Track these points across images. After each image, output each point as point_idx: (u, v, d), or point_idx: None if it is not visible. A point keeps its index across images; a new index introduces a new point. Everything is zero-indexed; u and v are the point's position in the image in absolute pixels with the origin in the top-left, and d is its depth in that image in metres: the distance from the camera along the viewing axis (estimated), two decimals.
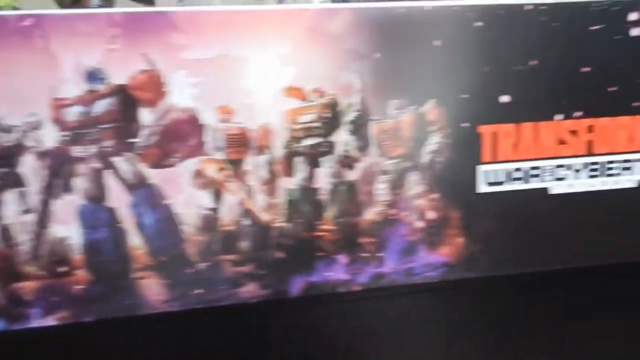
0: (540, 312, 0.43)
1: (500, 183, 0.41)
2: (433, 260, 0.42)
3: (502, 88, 0.40)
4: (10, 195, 0.36)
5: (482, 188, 0.41)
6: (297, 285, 0.41)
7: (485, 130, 0.41)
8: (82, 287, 0.38)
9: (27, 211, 0.37)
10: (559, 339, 0.43)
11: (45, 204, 0.37)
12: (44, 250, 0.37)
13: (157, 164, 0.38)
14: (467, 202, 0.41)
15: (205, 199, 0.39)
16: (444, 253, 0.42)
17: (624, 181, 0.42)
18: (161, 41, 0.36)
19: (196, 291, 0.40)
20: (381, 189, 0.41)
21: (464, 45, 0.39)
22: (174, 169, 0.38)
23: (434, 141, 0.40)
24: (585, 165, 0.42)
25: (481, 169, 0.41)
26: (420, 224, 0.41)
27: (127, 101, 0.37)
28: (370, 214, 0.41)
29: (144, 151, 0.37)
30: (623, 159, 0.42)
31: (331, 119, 0.39)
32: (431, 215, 0.41)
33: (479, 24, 0.39)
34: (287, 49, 0.38)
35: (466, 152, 0.41)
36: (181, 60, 0.37)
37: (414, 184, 0.41)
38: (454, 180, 0.41)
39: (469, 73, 0.40)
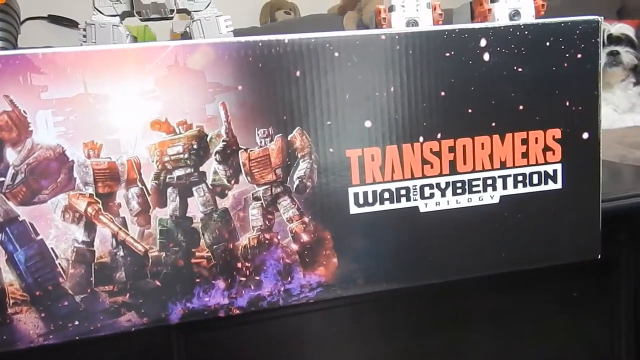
0: (421, 327, 0.45)
1: (371, 204, 0.43)
2: (309, 281, 0.43)
3: (365, 114, 0.42)
4: None
5: (353, 209, 0.43)
6: (176, 312, 0.42)
7: (352, 154, 0.42)
8: None
9: None
10: (437, 353, 0.45)
11: None
12: None
13: (26, 202, 0.39)
14: (339, 224, 0.43)
15: (77, 232, 0.40)
16: (320, 274, 0.43)
17: (487, 197, 0.44)
18: (22, 82, 0.37)
19: (74, 323, 0.40)
20: (254, 214, 0.42)
21: (324, 75, 0.41)
22: (44, 205, 0.39)
23: (303, 167, 0.42)
24: (449, 183, 0.44)
25: (351, 191, 0.43)
26: (295, 247, 0.43)
27: None
28: (245, 239, 0.42)
29: (11, 190, 0.38)
30: (484, 176, 0.44)
31: (199, 150, 0.41)
32: (305, 237, 0.43)
33: (337, 54, 0.41)
34: (150, 85, 0.39)
35: (335, 176, 0.42)
36: (43, 100, 0.38)
37: (286, 209, 0.42)
38: (325, 203, 0.43)
39: (330, 101, 0.41)
